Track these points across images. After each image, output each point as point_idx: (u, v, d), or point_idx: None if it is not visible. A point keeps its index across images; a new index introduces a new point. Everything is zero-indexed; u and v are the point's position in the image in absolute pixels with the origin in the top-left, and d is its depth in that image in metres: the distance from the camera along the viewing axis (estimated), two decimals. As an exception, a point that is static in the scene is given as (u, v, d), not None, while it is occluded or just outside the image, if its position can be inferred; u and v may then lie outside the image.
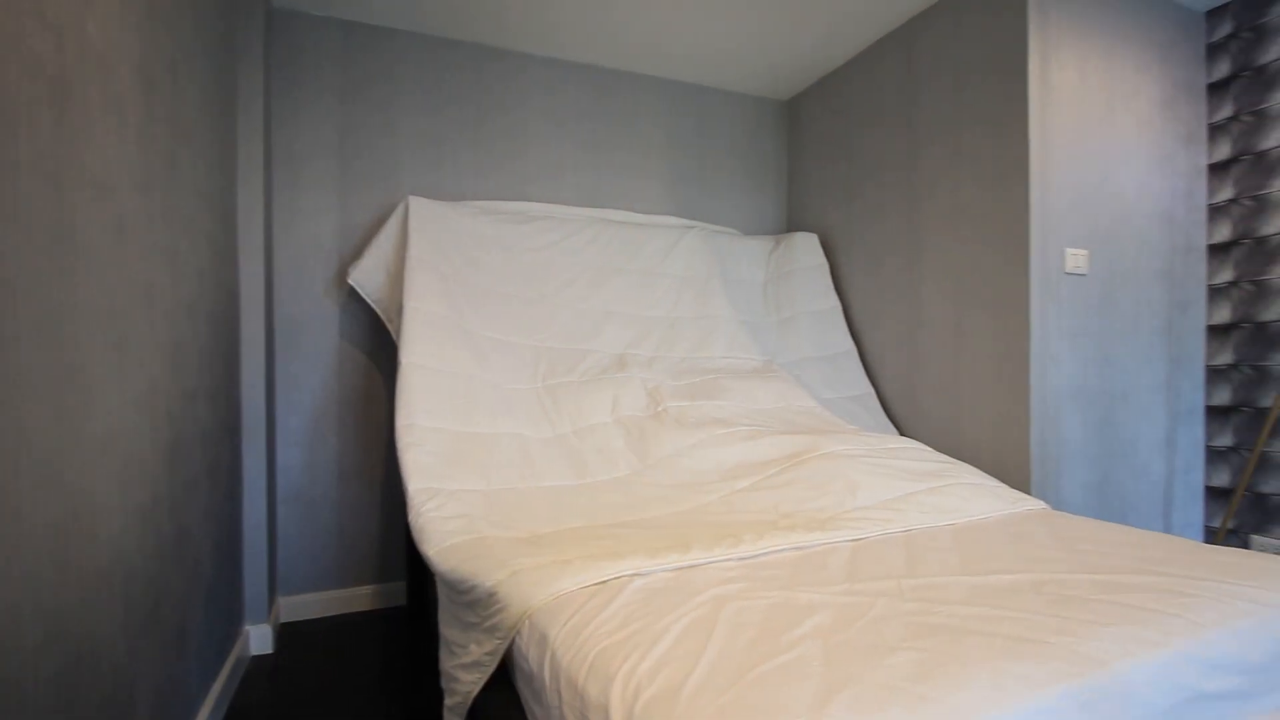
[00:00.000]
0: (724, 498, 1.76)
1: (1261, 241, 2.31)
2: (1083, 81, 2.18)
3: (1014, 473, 2.10)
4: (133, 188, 1.12)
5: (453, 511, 1.55)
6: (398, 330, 2.14)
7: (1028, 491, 2.06)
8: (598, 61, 2.85)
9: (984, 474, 1.95)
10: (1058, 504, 2.12)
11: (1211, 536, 2.39)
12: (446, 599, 1.37)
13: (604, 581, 1.13)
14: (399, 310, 2.14)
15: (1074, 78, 2.16)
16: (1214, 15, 2.44)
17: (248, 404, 2.06)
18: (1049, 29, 2.11)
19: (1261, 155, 2.31)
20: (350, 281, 2.29)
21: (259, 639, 2.07)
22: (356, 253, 2.44)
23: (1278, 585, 1.15)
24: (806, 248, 2.93)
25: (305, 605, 2.37)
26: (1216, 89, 2.43)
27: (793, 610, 1.01)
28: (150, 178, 1.21)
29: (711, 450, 1.97)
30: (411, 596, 2.35)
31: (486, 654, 1.15)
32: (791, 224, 3.28)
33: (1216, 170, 2.43)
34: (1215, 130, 2.44)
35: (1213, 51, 2.44)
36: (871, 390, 2.67)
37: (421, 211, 2.30)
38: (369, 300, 2.32)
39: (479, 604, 1.20)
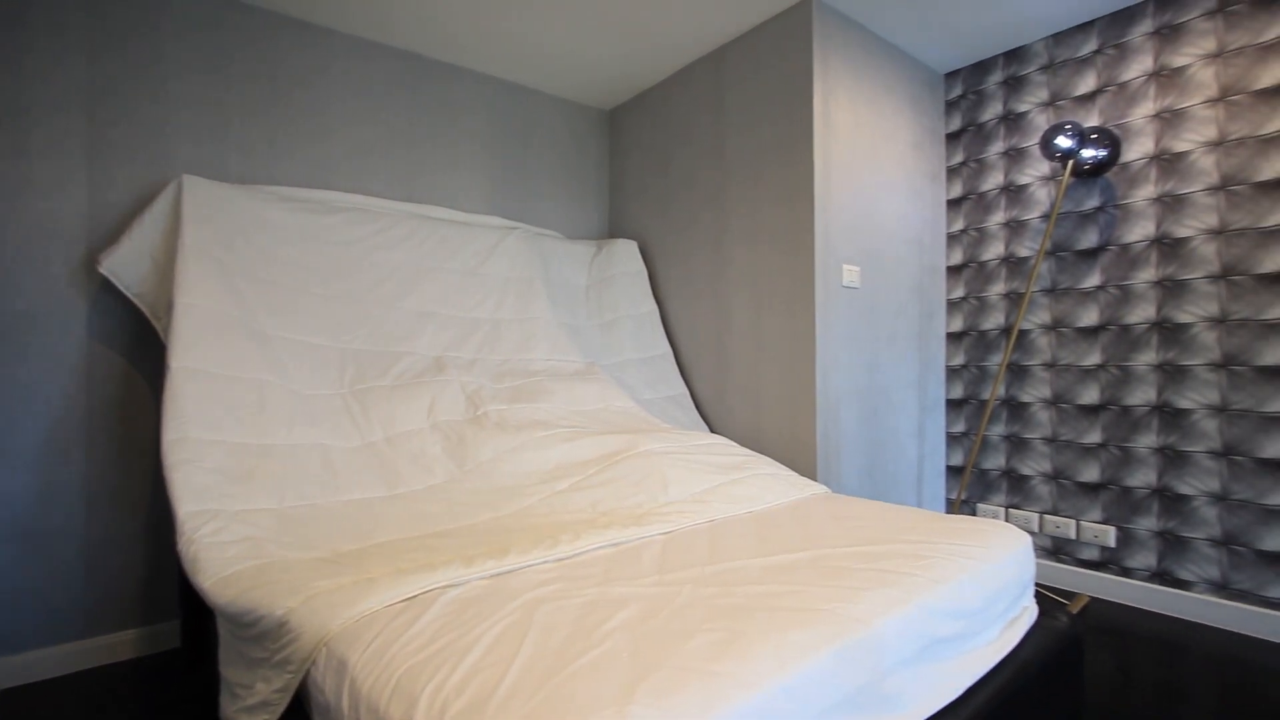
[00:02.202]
0: (545, 499, 1.77)
1: (982, 265, 2.85)
2: (856, 121, 2.52)
3: (803, 462, 2.37)
4: None
5: (236, 535, 1.38)
6: (167, 329, 1.84)
7: (814, 478, 2.33)
8: (414, 48, 2.71)
9: (779, 464, 2.18)
10: (838, 487, 2.43)
11: (950, 506, 2.90)
12: (229, 635, 1.22)
13: (413, 597, 1.08)
14: (169, 307, 1.85)
15: (849, 117, 2.49)
16: (950, 77, 2.96)
17: (-52, 420, 1.64)
18: (829, 73, 2.41)
19: (982, 195, 2.85)
20: (102, 271, 1.93)
21: (-34, 712, 1.66)
22: (112, 237, 2.06)
23: (990, 544, 1.43)
24: (627, 254, 3.04)
25: (36, 664, 1.95)
26: (952, 138, 2.96)
27: (605, 606, 1.05)
28: None
29: (533, 453, 1.96)
30: (186, 637, 2.05)
31: (276, 691, 1.04)
32: (613, 230, 3.38)
33: (952, 205, 2.96)
34: (951, 172, 2.96)
35: (949, 107, 2.97)
36: (686, 390, 2.84)
37: (199, 193, 2.01)
38: (128, 294, 1.97)
39: (267, 636, 1.08)
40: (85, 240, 2.05)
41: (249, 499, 1.55)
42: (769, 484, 1.92)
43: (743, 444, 2.58)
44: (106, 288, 2.06)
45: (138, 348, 2.13)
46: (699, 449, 2.10)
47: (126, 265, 1.94)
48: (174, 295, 1.81)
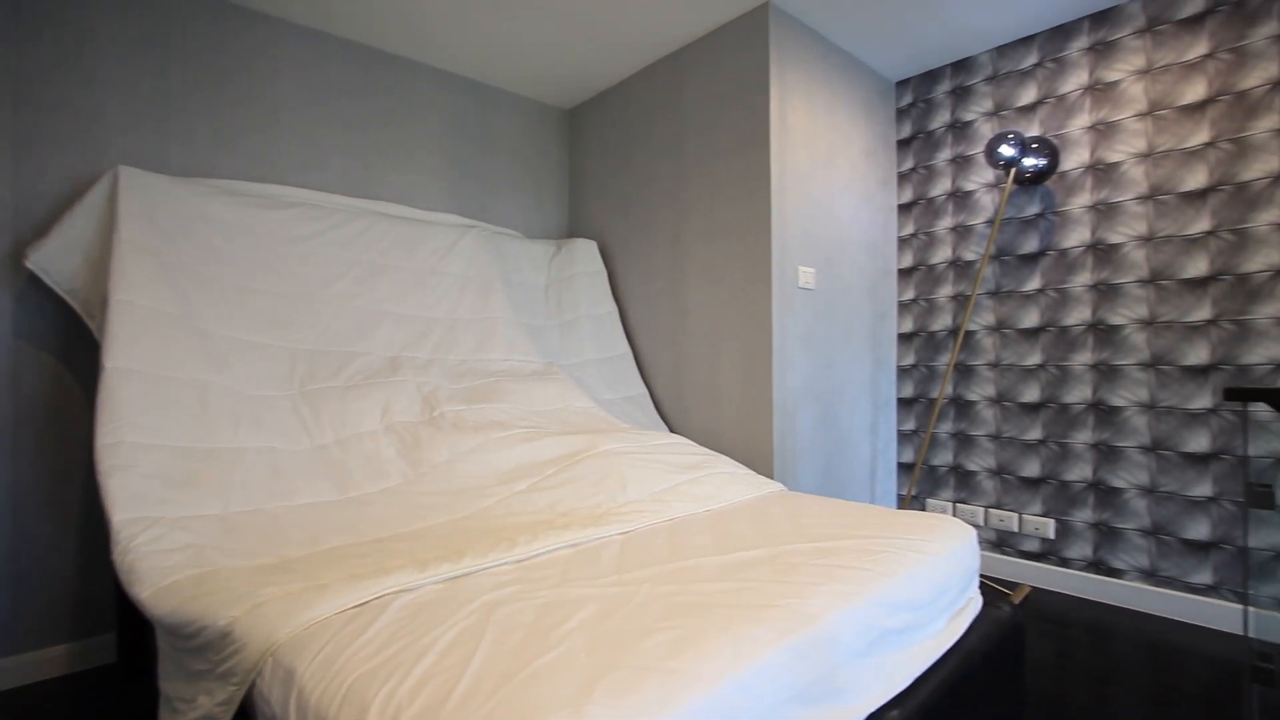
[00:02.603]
0: (502, 500, 1.75)
1: (931, 268, 2.95)
2: (811, 126, 2.57)
3: (761, 460, 2.41)
4: None
5: (176, 543, 1.32)
6: (101, 328, 1.76)
7: (771, 476, 2.37)
8: (369, 41, 2.64)
9: (737, 463, 2.21)
10: (795, 485, 2.47)
11: (901, 502, 2.98)
12: (169, 647, 1.17)
13: (364, 603, 1.05)
14: (103, 304, 1.76)
15: (804, 122, 2.54)
16: (901, 86, 3.05)
17: None
18: (785, 78, 2.46)
19: (931, 200, 2.95)
20: (30, 266, 1.82)
21: (-126, 738, 1.55)
22: (41, 230, 1.95)
23: (937, 538, 1.48)
24: (586, 254, 3.03)
25: (-44, 682, 1.83)
26: (903, 145, 3.05)
27: (563, 607, 1.05)
28: None
29: (490, 454, 1.94)
30: (123, 651, 1.95)
31: (219, 705, 1.00)
32: (572, 229, 3.37)
33: (903, 210, 3.05)
34: (902, 178, 3.05)
35: (900, 115, 3.06)
36: (645, 391, 2.85)
37: (137, 185, 1.92)
38: (58, 290, 1.87)
39: (210, 647, 1.04)
40: (11, 233, 1.94)
41: (190, 505, 1.49)
42: (727, 483, 1.94)
43: (702, 443, 2.60)
44: (34, 284, 1.95)
45: (69, 347, 2.02)
46: (658, 449, 2.11)
47: (57, 260, 1.84)
48: (109, 291, 1.72)
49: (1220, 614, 2.17)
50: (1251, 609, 2.05)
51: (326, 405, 1.98)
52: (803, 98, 2.53)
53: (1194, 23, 2.24)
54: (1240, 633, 2.08)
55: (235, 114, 2.34)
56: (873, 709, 1.09)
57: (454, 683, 0.80)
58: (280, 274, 2.15)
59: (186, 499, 1.49)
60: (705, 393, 2.64)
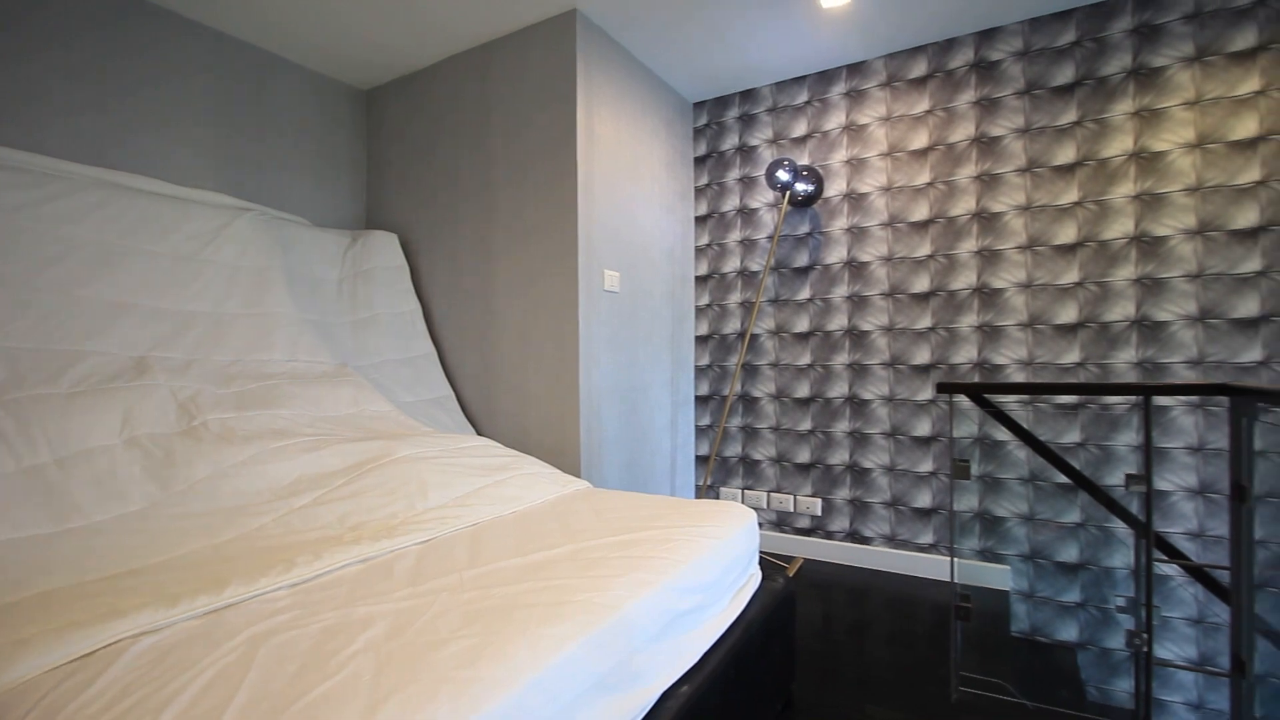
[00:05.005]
0: (280, 518, 1.57)
1: (724, 276, 3.23)
2: (616, 135, 2.67)
3: (568, 459, 2.44)
4: None
5: None
6: None
7: (578, 474, 2.42)
8: (103, -21, 2.20)
9: (544, 463, 2.22)
10: (600, 482, 2.55)
11: (699, 493, 3.23)
12: None
13: (89, 653, 0.88)
14: None
15: (611, 132, 2.63)
16: (698, 107, 3.30)
17: None
18: (592, 86, 2.52)
19: (723, 215, 3.22)
20: None
21: None
22: None
23: (725, 523, 1.62)
24: (386, 247, 2.83)
25: None
26: (700, 161, 3.30)
27: (347, 629, 0.97)
28: None
29: (265, 466, 1.73)
30: None
31: None
32: (371, 220, 3.12)
33: (700, 222, 3.30)
34: (699, 192, 3.30)
35: (697, 134, 3.30)
36: (451, 392, 2.74)
37: None
38: None
39: None
40: None
41: None
42: (533, 483, 1.94)
43: (510, 445, 2.57)
44: None
45: None
46: (462, 452, 2.04)
47: None
48: None
49: (938, 566, 2.67)
50: (957, 560, 2.56)
51: (41, 417, 1.61)
52: (609, 107, 2.62)
53: (919, 83, 2.73)
54: (949, 579, 2.58)
55: (-105, 43, 1.81)
56: (666, 687, 1.17)
57: (208, 730, 0.71)
58: (-32, 253, 1.71)
59: None
60: (513, 393, 2.62)
